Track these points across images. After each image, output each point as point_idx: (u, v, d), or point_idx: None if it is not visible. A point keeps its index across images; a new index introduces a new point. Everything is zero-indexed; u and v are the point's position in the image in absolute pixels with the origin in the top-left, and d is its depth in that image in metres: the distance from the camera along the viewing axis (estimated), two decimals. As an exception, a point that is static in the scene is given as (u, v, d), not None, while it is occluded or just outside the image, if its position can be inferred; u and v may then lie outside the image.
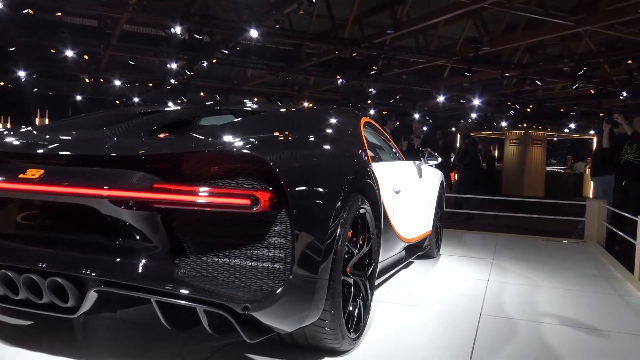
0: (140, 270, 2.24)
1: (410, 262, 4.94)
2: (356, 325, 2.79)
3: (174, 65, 16.91)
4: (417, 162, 4.78)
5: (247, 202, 2.17)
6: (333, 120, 3.33)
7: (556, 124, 25.28)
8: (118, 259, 2.26)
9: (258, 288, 2.25)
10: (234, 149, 2.24)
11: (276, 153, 2.27)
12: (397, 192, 3.83)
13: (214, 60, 17.15)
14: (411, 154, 4.67)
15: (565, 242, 7.10)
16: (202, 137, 2.46)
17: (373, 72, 17.85)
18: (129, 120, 3.27)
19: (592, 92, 18.96)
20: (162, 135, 3.03)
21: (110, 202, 2.22)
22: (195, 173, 2.27)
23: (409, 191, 4.21)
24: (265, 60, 19.58)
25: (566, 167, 24.71)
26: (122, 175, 2.24)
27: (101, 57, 17.22)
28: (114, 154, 2.31)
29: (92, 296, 2.23)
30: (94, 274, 2.21)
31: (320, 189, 2.42)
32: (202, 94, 23.24)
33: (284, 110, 3.73)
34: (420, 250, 4.85)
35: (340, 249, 2.48)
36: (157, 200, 2.21)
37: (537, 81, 18.18)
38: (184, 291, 2.19)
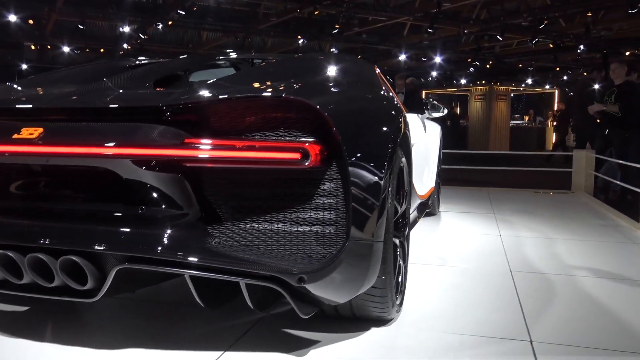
0: (171, 242, 1.90)
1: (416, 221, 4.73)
2: (398, 291, 2.54)
3: (126, 29, 15.99)
4: (421, 114, 4.51)
5: (296, 156, 1.86)
6: (353, 66, 3.00)
7: (514, 79, 25.52)
8: (144, 231, 1.91)
9: (310, 256, 1.95)
10: (279, 95, 1.89)
11: (323, 99, 1.94)
12: (412, 146, 3.56)
13: (170, 23, 16.33)
14: (414, 105, 4.42)
15: (551, 193, 7.06)
16: (235, 84, 2.09)
17: (335, 31, 17.38)
18: (124, 72, 2.85)
19: (551, 46, 19.09)
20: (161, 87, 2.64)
21: (133, 162, 1.86)
22: (233, 125, 1.93)
23: (419, 145, 3.95)
24: (221, 21, 18.85)
25: (529, 122, 25.06)
26: (146, 130, 1.88)
27: (46, 22, 16.12)
28: (136, 105, 1.93)
29: (114, 276, 1.88)
30: (117, 250, 1.86)
31: (371, 139, 2.12)
32: (157, 59, 22.19)
33: (300, 56, 3.34)
34: (427, 207, 4.63)
35: (390, 206, 2.20)
36: (190, 158, 1.86)
37: (498, 36, 18.11)
38: (226, 264, 1.88)
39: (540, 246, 3.97)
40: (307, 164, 1.86)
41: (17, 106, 2.02)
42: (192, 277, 1.94)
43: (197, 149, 1.85)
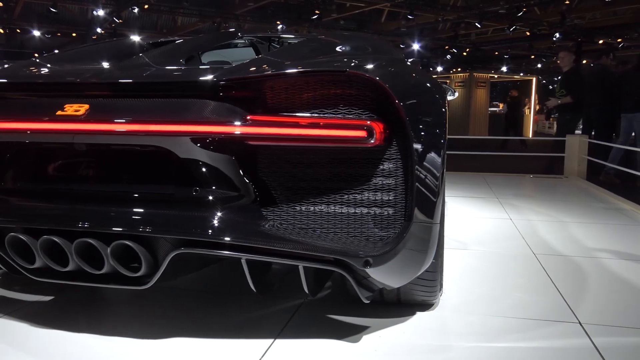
0: (228, 225, 1.82)
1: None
2: (441, 274, 2.50)
3: (100, 12, 15.54)
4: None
5: (361, 134, 1.78)
6: (389, 45, 2.92)
7: (490, 67, 25.76)
8: (199, 213, 1.82)
9: (368, 239, 1.89)
10: (343, 70, 1.80)
11: (385, 75, 1.86)
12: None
13: (146, 7, 15.94)
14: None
15: (549, 177, 7.12)
16: (286, 60, 1.99)
17: (314, 16, 17.24)
18: (148, 50, 2.71)
19: (528, 34, 19.29)
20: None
21: (191, 141, 1.75)
22: (291, 101, 1.84)
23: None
24: (197, 6, 18.52)
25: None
26: (204, 107, 1.77)
27: (15, 5, 15.53)
28: (193, 80, 1.82)
29: (169, 261, 1.78)
30: (175, 234, 1.76)
31: (429, 116, 2.05)
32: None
33: (334, 34, 3.23)
34: None
35: (444, 186, 2.14)
36: (253, 136, 1.77)
37: (476, 24, 18.22)
38: (288, 247, 1.80)
39: (554, 229, 3.98)
40: (371, 142, 1.79)
41: (59, 81, 1.88)
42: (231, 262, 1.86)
43: (261, 126, 1.76)
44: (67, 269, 1.85)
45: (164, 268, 1.79)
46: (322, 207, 1.93)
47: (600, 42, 19.70)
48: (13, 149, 1.91)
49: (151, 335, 2.06)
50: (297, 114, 1.83)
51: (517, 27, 18.47)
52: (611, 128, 7.66)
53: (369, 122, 1.79)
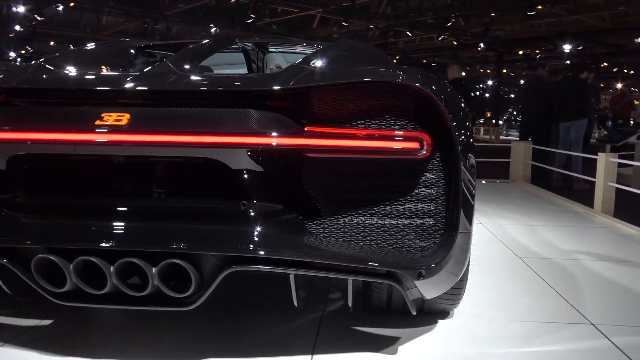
0: (282, 241, 1.75)
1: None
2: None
3: (21, 9, 14.62)
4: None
5: (414, 145, 1.77)
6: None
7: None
8: (251, 229, 1.73)
9: (414, 249, 1.88)
10: (395, 80, 1.78)
11: (432, 84, 1.86)
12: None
13: (71, 4, 15.18)
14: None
15: (498, 182, 7.39)
16: (334, 69, 1.93)
17: (250, 20, 17.10)
18: (147, 55, 2.57)
19: (455, 43, 20.10)
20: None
21: (245, 153, 1.67)
22: (339, 112, 1.79)
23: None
24: (124, 5, 17.87)
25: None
26: (256, 117, 1.69)
27: None
28: (243, 89, 1.73)
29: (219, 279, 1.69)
30: (230, 251, 1.67)
31: (464, 126, 2.06)
32: (52, 43, 20.61)
33: (346, 43, 3.17)
34: None
35: None
36: (312, 148, 1.71)
37: (407, 32, 18.78)
38: (339, 261, 1.75)
39: (525, 233, 4.15)
40: (423, 153, 1.79)
41: (96, 88, 1.73)
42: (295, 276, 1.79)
43: (319, 137, 1.71)
44: (103, 291, 1.71)
45: (213, 287, 1.69)
46: (365, 219, 1.90)
47: (520, 52, 20.86)
48: (45, 162, 1.74)
49: (184, 356, 1.95)
50: (347, 125, 1.79)
51: (445, 36, 19.22)
52: (547, 135, 8.08)
53: (421, 134, 1.78)
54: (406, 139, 1.77)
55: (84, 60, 2.35)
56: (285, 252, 1.72)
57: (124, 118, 1.65)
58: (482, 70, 25.34)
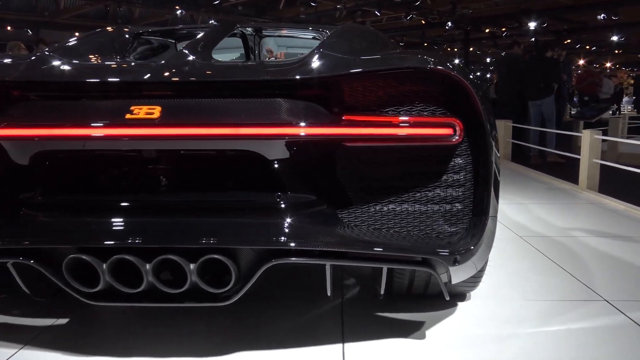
0: (319, 232, 1.73)
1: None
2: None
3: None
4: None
5: (448, 132, 1.76)
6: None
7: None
8: (289, 221, 1.70)
9: (443, 235, 1.88)
10: (425, 66, 1.75)
11: (461, 70, 1.84)
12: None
13: (29, -13, 14.58)
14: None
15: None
16: (373, 56, 1.89)
17: (217, 1, 16.77)
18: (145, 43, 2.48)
19: (423, 22, 20.13)
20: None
21: (280, 143, 1.63)
22: (370, 99, 1.77)
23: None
24: (83, -13, 17.30)
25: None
26: (291, 107, 1.65)
27: None
28: (280, 78, 1.67)
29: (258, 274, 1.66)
30: (270, 245, 1.64)
31: (489, 110, 2.06)
32: (9, 28, 19.78)
33: (357, 28, 3.09)
34: None
35: None
36: (349, 137, 1.68)
37: (376, 12, 18.71)
38: (375, 249, 1.74)
39: (520, 211, 4.22)
40: (455, 139, 1.78)
41: (124, 80, 1.65)
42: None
43: (356, 126, 1.68)
44: (138, 290, 1.65)
45: (252, 282, 1.66)
46: (395, 206, 1.89)
47: (487, 30, 21.05)
48: (73, 158, 1.67)
49: (207, 352, 1.92)
50: (379, 113, 1.76)
51: (413, 15, 19.22)
52: (523, 114, 8.18)
53: (453, 120, 1.77)
54: (440, 125, 1.76)
55: (89, 49, 2.24)
56: (324, 244, 1.69)
57: (156, 111, 1.58)
58: (449, 49, 25.51)
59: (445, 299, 2.03)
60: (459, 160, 1.89)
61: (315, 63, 1.73)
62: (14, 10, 19.61)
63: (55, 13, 20.32)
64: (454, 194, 1.91)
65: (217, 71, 1.75)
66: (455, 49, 24.79)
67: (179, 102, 1.63)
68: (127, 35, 2.70)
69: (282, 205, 1.71)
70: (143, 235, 1.59)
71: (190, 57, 1.82)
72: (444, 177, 1.88)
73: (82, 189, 1.71)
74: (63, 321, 2.20)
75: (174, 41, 3.24)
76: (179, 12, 17.81)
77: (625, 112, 19.53)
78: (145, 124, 1.56)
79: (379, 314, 2.27)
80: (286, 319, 2.22)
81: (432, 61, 1.79)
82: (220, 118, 1.61)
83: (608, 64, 26.37)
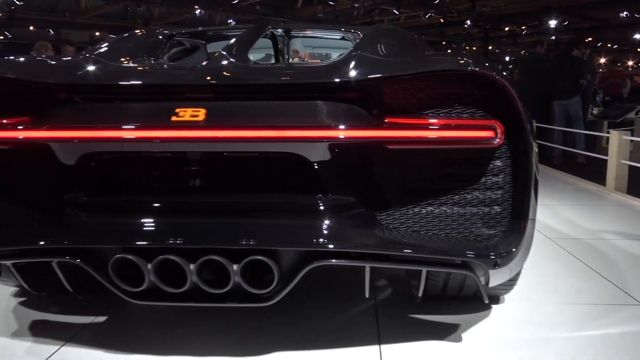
0: (361, 234, 1.74)
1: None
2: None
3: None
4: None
5: (489, 134, 1.76)
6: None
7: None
8: (332, 223, 1.71)
9: (489, 238, 1.87)
10: (466, 69, 1.75)
11: (502, 73, 1.83)
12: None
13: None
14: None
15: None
16: (413, 58, 1.90)
17: (236, 0, 16.87)
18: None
19: (442, 20, 20.03)
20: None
21: (324, 146, 1.64)
22: (412, 101, 1.76)
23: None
24: (105, -12, 17.48)
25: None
26: (340, 109, 1.66)
27: None
28: (319, 81, 1.68)
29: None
30: (315, 246, 1.65)
31: (529, 112, 2.05)
32: (31, 28, 20.07)
33: (391, 29, 3.10)
34: None
35: None
36: (392, 140, 1.69)
37: (394, 10, 18.66)
38: (416, 252, 1.74)
39: (548, 213, 4.18)
40: (497, 142, 1.78)
41: (170, 83, 1.67)
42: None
43: (399, 129, 1.68)
44: (182, 289, 1.68)
45: (294, 283, 1.67)
46: (434, 208, 1.88)
47: (506, 29, 20.86)
48: (119, 160, 1.69)
49: (244, 352, 1.93)
50: (419, 115, 1.76)
51: (432, 14, 19.13)
52: (547, 114, 8.09)
53: (494, 122, 1.76)
54: (481, 127, 1.75)
55: (126, 51, 2.27)
56: (365, 246, 1.71)
57: (200, 113, 1.60)
58: (467, 48, 25.32)
59: (483, 301, 2.02)
60: (498, 163, 1.88)
61: (357, 65, 1.74)
62: (35, 11, 19.89)
63: (76, 13, 20.58)
64: (492, 196, 1.90)
65: (260, 74, 1.76)
66: (474, 48, 24.61)
67: (223, 104, 1.65)
68: (160, 37, 2.73)
69: (323, 207, 1.72)
70: (188, 236, 1.61)
71: (231, 60, 1.83)
72: (483, 179, 1.88)
73: (128, 190, 1.74)
74: (101, 319, 2.23)
75: (204, 42, 3.27)
76: (197, 11, 17.91)
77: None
78: (190, 126, 1.58)
79: (413, 315, 2.27)
80: (327, 318, 2.23)
81: (473, 63, 1.78)
82: (264, 120, 1.62)
83: (630, 62, 26.01)
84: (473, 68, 1.74)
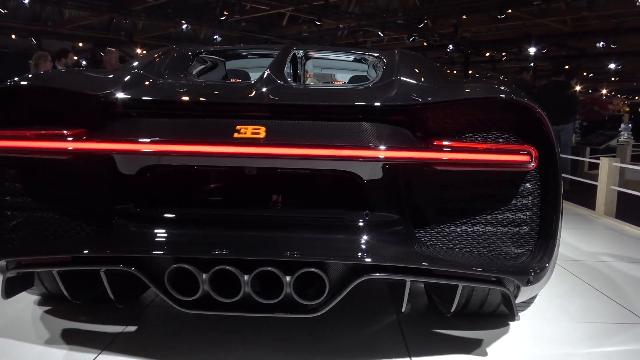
0: (404, 249, 1.83)
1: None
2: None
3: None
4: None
5: (525, 158, 1.87)
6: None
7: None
8: (377, 238, 1.80)
9: (517, 257, 1.98)
10: (509, 97, 1.87)
11: (534, 100, 1.96)
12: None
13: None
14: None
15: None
16: (455, 85, 2.01)
17: (223, 17, 16.98)
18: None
19: (425, 44, 20.43)
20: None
21: (375, 165, 1.73)
22: (452, 126, 1.87)
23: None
24: (87, -1, 17.39)
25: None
26: (392, 131, 1.75)
27: None
28: (376, 104, 1.78)
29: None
30: (360, 260, 1.73)
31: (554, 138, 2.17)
32: (13, 36, 19.84)
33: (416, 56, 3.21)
34: None
35: None
36: (440, 161, 1.78)
37: (379, 32, 18.98)
38: (457, 268, 1.84)
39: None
40: (531, 165, 1.89)
41: (234, 101, 1.75)
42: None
43: (446, 151, 1.78)
44: (234, 299, 1.73)
45: (342, 295, 1.74)
46: (467, 227, 1.99)
47: (487, 54, 21.37)
48: (179, 173, 1.75)
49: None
50: (459, 139, 1.87)
51: (415, 37, 19.51)
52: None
53: (530, 147, 1.88)
54: (518, 152, 1.86)
55: (169, 68, 2.33)
56: (409, 261, 1.79)
57: (261, 131, 1.68)
58: (448, 72, 25.82)
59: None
60: (528, 185, 2.00)
61: (407, 91, 1.84)
62: (18, 20, 19.70)
63: (60, 23, 20.43)
64: (522, 217, 2.01)
65: (318, 96, 1.85)
66: (454, 72, 25.12)
67: (281, 123, 1.73)
68: (190, 54, 2.80)
69: (371, 223, 1.81)
70: (245, 247, 1.67)
71: (286, 82, 1.92)
72: (514, 200, 1.99)
73: (187, 202, 1.80)
74: (132, 328, 2.26)
75: (223, 60, 3.35)
76: (184, 26, 17.97)
77: (623, 139, 19.85)
78: (252, 142, 1.65)
79: (438, 330, 2.35)
80: (354, 332, 2.29)
81: (512, 92, 1.90)
82: (320, 139, 1.70)
83: (604, 91, 26.85)
84: (513, 96, 1.86)
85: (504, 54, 21.21)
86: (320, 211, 1.81)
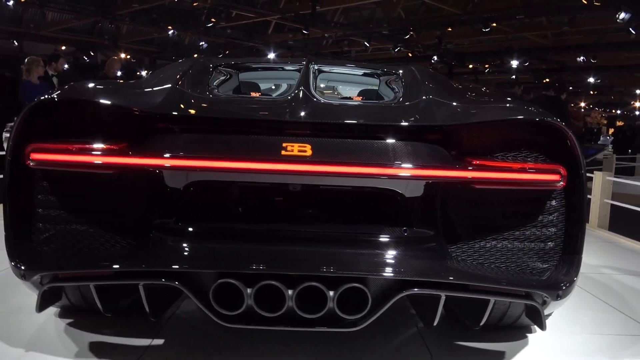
0: (438, 266, 1.87)
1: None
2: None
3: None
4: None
5: (556, 177, 1.94)
6: None
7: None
8: (414, 254, 1.84)
9: (542, 272, 2.04)
10: (541, 118, 1.94)
11: (563, 122, 2.03)
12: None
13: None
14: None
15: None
16: (488, 105, 2.07)
17: (210, 24, 16.97)
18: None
19: (410, 55, 20.65)
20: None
21: (415, 183, 1.78)
22: (484, 145, 1.93)
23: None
24: (71, 2, 17.22)
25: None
26: (431, 150, 1.80)
27: None
28: (417, 124, 1.83)
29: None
30: (402, 276, 1.77)
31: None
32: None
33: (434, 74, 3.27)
34: None
35: None
36: (479, 180, 1.84)
37: (365, 42, 19.13)
38: (491, 283, 1.89)
39: (543, 247, 4.41)
40: (561, 184, 1.95)
41: (280, 119, 1.78)
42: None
43: (485, 170, 1.83)
44: (277, 314, 1.76)
45: (383, 310, 1.78)
46: (496, 243, 2.04)
47: (470, 66, 21.68)
48: (226, 189, 1.77)
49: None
50: (490, 158, 1.93)
51: (400, 47, 19.72)
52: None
53: (560, 166, 1.94)
54: (549, 171, 1.93)
55: (194, 80, 2.35)
56: (446, 276, 1.83)
57: (307, 149, 1.71)
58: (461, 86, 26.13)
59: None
60: (554, 203, 2.06)
61: (444, 112, 1.90)
62: (0, 22, 19.42)
63: (42, 25, 20.20)
64: (548, 233, 2.07)
65: (358, 114, 1.90)
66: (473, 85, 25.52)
67: (325, 141, 1.76)
68: (210, 67, 2.82)
69: (408, 239, 1.85)
70: (290, 263, 1.70)
71: (316, 98, 1.96)
72: (541, 217, 2.05)
73: (234, 218, 1.82)
74: (159, 341, 2.26)
75: (237, 71, 3.37)
76: (171, 32, 17.91)
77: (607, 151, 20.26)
78: (299, 160, 1.69)
79: (460, 342, 2.39)
80: (380, 345, 2.33)
81: (542, 113, 1.97)
82: (363, 157, 1.74)
83: (582, 104, 27.45)
84: (545, 118, 1.93)
85: (487, 66, 21.55)
86: (360, 227, 1.85)
